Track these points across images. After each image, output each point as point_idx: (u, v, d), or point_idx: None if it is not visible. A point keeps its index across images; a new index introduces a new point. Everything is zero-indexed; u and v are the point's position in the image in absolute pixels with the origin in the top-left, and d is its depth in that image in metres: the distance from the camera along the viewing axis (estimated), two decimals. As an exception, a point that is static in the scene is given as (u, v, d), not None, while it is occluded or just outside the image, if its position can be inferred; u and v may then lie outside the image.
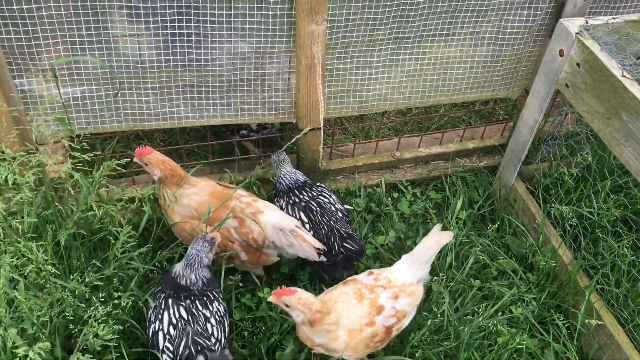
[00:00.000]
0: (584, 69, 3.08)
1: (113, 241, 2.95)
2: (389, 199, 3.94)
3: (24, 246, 2.56)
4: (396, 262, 3.06)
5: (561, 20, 3.22)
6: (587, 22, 3.18)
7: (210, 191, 3.16)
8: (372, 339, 2.83)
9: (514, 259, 3.65)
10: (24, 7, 2.78)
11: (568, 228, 3.55)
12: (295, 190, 3.46)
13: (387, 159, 4.12)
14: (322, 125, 3.61)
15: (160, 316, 2.80)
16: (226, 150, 4.21)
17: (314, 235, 3.24)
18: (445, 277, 3.41)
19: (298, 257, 3.21)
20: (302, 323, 2.75)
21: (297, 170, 3.56)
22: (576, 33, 3.11)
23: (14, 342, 2.54)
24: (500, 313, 3.31)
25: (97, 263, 2.95)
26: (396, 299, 2.89)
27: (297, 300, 2.67)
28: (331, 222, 3.32)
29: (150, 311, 2.86)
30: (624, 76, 2.87)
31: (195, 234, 2.99)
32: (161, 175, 3.06)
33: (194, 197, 3.12)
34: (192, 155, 4.18)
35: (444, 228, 3.74)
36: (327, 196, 3.46)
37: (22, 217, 2.76)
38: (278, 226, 3.07)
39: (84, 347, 2.64)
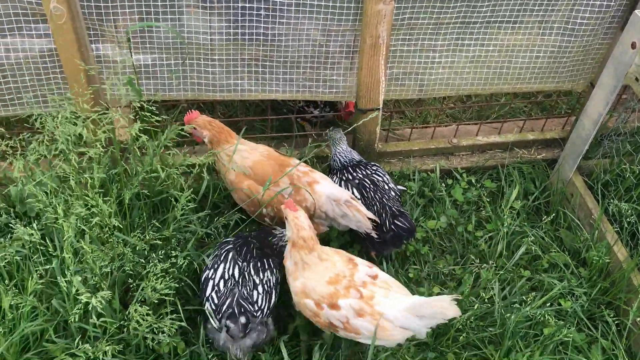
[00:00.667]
0: (657, 62, 3.00)
1: (174, 203, 3.07)
2: (443, 184, 3.94)
3: (92, 198, 2.70)
4: (397, 294, 2.79)
5: (636, 11, 3.14)
6: (664, 14, 3.09)
7: (267, 154, 3.26)
8: (314, 316, 2.82)
9: (567, 253, 3.60)
10: (105, -27, 2.92)
11: (626, 225, 3.48)
12: (350, 168, 3.51)
13: (443, 145, 4.12)
14: (381, 106, 3.63)
15: (216, 266, 2.94)
16: (283, 128, 4.29)
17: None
18: (494, 265, 3.41)
19: (348, 233, 3.26)
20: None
21: (352, 149, 3.61)
22: (651, 25, 3.03)
23: (77, 290, 2.70)
24: (548, 305, 3.28)
25: (157, 224, 3.09)
26: (360, 316, 2.70)
27: (293, 218, 2.80)
28: (383, 199, 3.35)
29: (210, 256, 3.01)
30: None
31: (252, 194, 3.09)
32: (210, 135, 3.19)
33: (246, 154, 3.21)
34: (251, 131, 4.28)
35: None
36: (381, 175, 3.49)
37: (92, 173, 2.91)
38: (333, 197, 3.13)
39: (142, 299, 2.78)
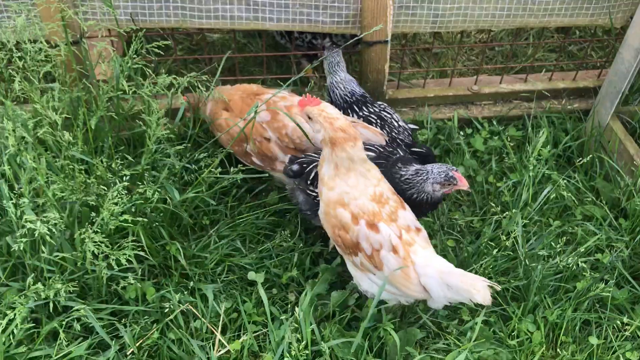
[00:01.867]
0: None
1: (150, 134, 2.69)
2: (461, 133, 3.49)
3: (41, 106, 2.34)
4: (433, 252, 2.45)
5: None
6: None
7: (242, 89, 2.89)
8: (341, 228, 2.40)
9: (604, 204, 3.11)
10: None
11: (674, 169, 2.98)
12: (354, 106, 3.08)
13: (462, 92, 3.66)
14: (389, 38, 3.21)
15: None
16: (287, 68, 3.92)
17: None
18: (519, 214, 2.93)
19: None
20: (323, 144, 2.37)
21: (352, 79, 3.15)
22: None
23: (23, 213, 2.33)
24: (582, 258, 2.79)
25: (127, 156, 2.71)
26: (393, 252, 2.35)
27: (322, 116, 2.32)
28: (393, 133, 2.92)
29: None
30: None
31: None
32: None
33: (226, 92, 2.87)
34: (246, 72, 3.91)
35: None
36: (390, 113, 3.06)
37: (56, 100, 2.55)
38: None
39: (98, 228, 2.39)
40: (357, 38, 3.12)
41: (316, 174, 2.55)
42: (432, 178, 2.50)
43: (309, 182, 2.68)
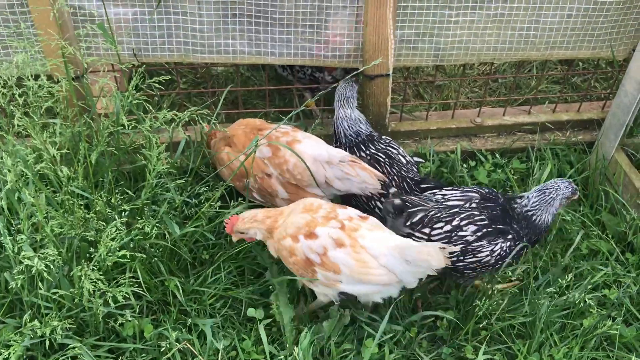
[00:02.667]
0: None
1: (151, 168, 2.68)
2: (464, 166, 3.46)
3: (40, 142, 2.34)
4: (386, 230, 2.53)
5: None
6: None
7: (245, 124, 2.90)
8: (290, 255, 2.47)
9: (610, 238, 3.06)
10: None
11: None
12: (360, 145, 3.03)
13: (465, 124, 3.64)
14: (391, 71, 3.22)
15: None
16: (287, 105, 3.92)
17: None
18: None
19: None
20: (265, 238, 2.56)
21: (360, 117, 3.09)
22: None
23: (21, 250, 2.31)
24: (589, 294, 2.73)
25: (127, 190, 2.71)
26: (339, 246, 2.38)
27: (244, 222, 2.55)
28: (402, 172, 2.89)
29: None
30: None
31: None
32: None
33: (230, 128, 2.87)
34: (249, 104, 3.92)
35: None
36: (396, 148, 3.03)
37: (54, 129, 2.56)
38: (321, 158, 2.68)
39: (95, 264, 2.36)
40: (358, 72, 3.11)
41: (422, 218, 2.58)
42: (561, 193, 2.57)
43: (407, 224, 2.61)
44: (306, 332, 2.48)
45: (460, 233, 2.55)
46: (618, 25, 3.30)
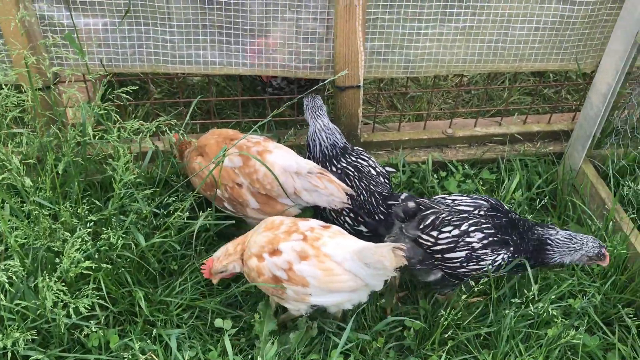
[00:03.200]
0: (670, 12, 2.59)
1: (118, 178, 2.68)
2: (435, 176, 3.49)
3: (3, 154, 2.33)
4: (348, 235, 2.57)
5: (644, -39, 2.76)
6: (676, -38, 2.69)
7: (217, 134, 2.91)
8: (258, 275, 2.50)
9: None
10: None
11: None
12: (333, 160, 3.02)
13: (437, 135, 3.69)
14: (361, 83, 3.25)
15: None
16: (261, 114, 3.93)
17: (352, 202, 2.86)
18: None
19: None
20: (242, 269, 2.60)
21: (335, 127, 3.09)
22: (662, -27, 2.64)
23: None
24: (553, 304, 2.76)
25: (95, 200, 2.70)
26: (303, 259, 2.42)
27: (219, 261, 2.57)
28: (371, 186, 2.91)
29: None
30: None
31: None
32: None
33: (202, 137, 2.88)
34: (224, 114, 3.94)
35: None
36: (367, 159, 3.05)
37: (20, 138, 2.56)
38: (290, 169, 2.70)
39: (59, 276, 2.36)
40: (327, 81, 3.13)
41: (433, 220, 2.60)
42: (585, 250, 2.58)
43: (421, 228, 2.62)
44: (272, 343, 2.48)
45: (467, 239, 2.57)
46: (585, 39, 3.36)
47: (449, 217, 2.61)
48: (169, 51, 3.13)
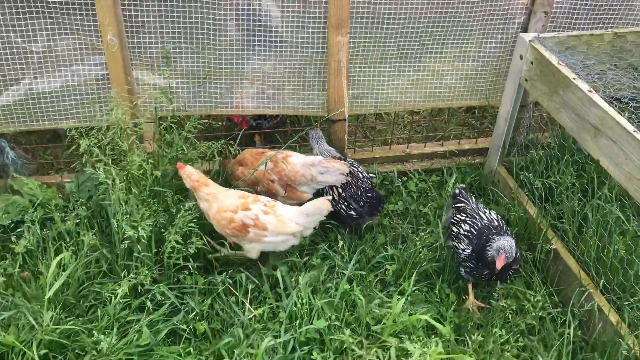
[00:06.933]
0: (535, 64, 4.26)
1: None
2: (399, 180, 5.06)
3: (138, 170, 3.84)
4: (290, 207, 4.03)
5: (520, 34, 4.45)
6: (538, 35, 4.39)
7: (251, 151, 4.50)
8: (230, 222, 3.86)
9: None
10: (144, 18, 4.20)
11: (535, 192, 4.58)
12: None
13: (399, 153, 5.28)
14: (347, 117, 4.83)
15: None
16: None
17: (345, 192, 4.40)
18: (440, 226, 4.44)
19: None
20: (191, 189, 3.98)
21: (331, 148, 4.68)
22: (529, 41, 4.32)
23: (124, 230, 3.72)
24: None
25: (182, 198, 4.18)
26: (266, 214, 3.86)
27: (192, 175, 3.93)
28: (358, 182, 4.45)
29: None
30: (559, 64, 4.04)
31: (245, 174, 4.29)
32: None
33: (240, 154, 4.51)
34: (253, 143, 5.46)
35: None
36: (356, 167, 4.60)
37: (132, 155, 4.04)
38: (306, 163, 4.22)
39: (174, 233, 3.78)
40: (325, 118, 4.71)
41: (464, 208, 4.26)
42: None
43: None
44: (302, 276, 3.93)
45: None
46: (493, 83, 5.04)
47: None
48: (218, 99, 4.66)
